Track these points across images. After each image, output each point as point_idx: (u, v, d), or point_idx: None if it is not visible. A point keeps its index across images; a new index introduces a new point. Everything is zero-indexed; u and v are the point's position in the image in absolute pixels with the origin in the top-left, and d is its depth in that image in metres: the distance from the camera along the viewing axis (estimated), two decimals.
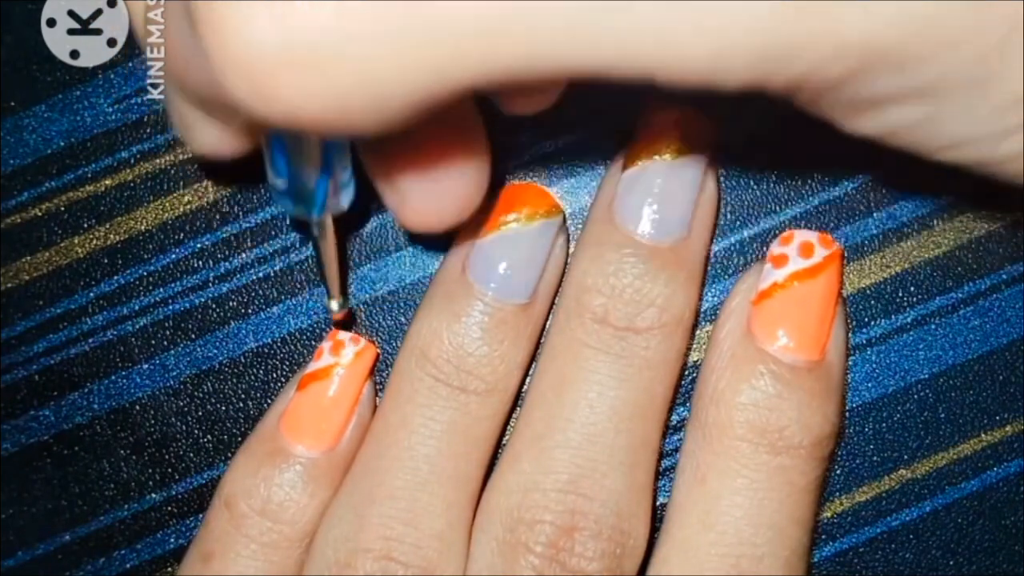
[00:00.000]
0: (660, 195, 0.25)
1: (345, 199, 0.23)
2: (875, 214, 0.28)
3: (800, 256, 0.25)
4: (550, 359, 0.26)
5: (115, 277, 0.29)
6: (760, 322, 0.25)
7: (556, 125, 0.28)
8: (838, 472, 0.28)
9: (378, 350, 0.28)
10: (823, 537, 0.28)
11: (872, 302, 0.28)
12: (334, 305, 0.26)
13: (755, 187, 0.28)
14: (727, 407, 0.24)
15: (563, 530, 0.24)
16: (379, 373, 0.28)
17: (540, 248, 0.26)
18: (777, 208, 0.28)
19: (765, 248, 0.28)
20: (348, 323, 0.28)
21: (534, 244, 0.26)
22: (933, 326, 0.28)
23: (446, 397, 0.25)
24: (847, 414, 0.28)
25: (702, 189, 0.26)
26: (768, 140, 0.28)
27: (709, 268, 0.28)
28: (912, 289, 0.28)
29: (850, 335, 0.28)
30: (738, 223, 0.28)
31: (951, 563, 0.28)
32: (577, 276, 0.25)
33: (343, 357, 0.27)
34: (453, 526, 0.25)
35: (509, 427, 0.27)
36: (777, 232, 0.26)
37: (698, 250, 0.26)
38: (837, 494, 0.28)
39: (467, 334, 0.25)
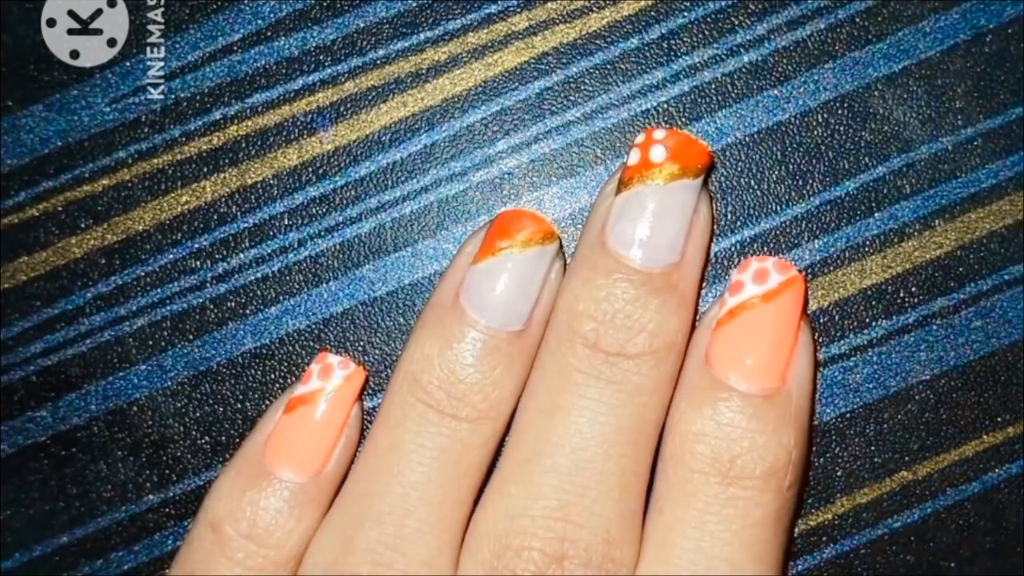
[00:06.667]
0: (652, 220, 0.25)
1: None
2: (876, 214, 0.28)
3: (754, 283, 0.25)
4: (540, 383, 0.25)
5: (112, 277, 0.29)
6: (716, 351, 0.25)
7: (556, 125, 0.28)
8: (839, 474, 0.28)
9: (367, 373, 0.27)
10: (824, 539, 0.28)
11: (873, 303, 0.28)
12: None
13: (755, 187, 0.28)
14: (681, 438, 0.24)
15: (552, 558, 0.24)
16: (377, 376, 0.28)
17: (535, 275, 0.26)
18: (777, 208, 0.28)
19: (766, 248, 0.28)
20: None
21: (529, 271, 0.26)
22: (935, 327, 0.28)
23: (437, 423, 0.25)
24: (848, 416, 0.28)
25: (695, 213, 0.25)
26: (768, 140, 0.28)
27: (709, 268, 0.27)
28: (914, 290, 0.28)
29: (852, 336, 0.28)
30: (738, 223, 0.28)
31: (952, 565, 0.28)
32: (569, 300, 0.25)
33: (331, 382, 0.27)
34: (441, 552, 0.25)
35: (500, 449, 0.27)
36: (777, 232, 0.26)
37: (691, 274, 0.26)
38: (838, 495, 0.28)
39: (459, 361, 0.25)
